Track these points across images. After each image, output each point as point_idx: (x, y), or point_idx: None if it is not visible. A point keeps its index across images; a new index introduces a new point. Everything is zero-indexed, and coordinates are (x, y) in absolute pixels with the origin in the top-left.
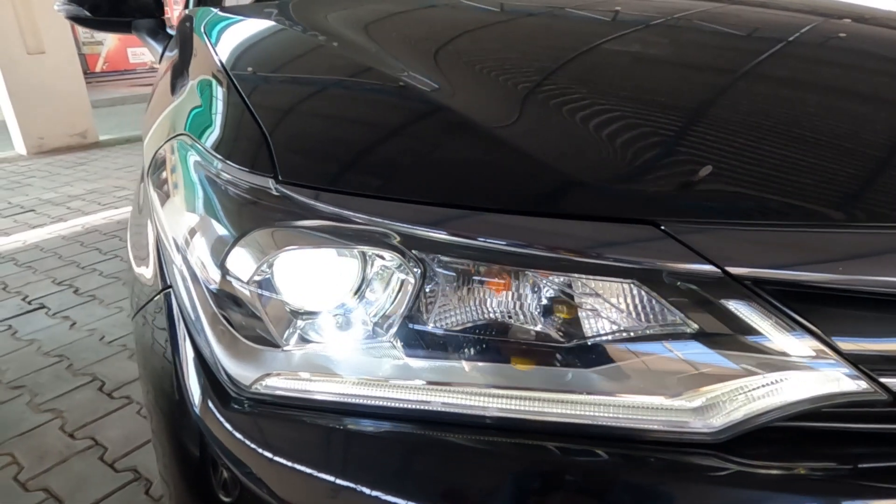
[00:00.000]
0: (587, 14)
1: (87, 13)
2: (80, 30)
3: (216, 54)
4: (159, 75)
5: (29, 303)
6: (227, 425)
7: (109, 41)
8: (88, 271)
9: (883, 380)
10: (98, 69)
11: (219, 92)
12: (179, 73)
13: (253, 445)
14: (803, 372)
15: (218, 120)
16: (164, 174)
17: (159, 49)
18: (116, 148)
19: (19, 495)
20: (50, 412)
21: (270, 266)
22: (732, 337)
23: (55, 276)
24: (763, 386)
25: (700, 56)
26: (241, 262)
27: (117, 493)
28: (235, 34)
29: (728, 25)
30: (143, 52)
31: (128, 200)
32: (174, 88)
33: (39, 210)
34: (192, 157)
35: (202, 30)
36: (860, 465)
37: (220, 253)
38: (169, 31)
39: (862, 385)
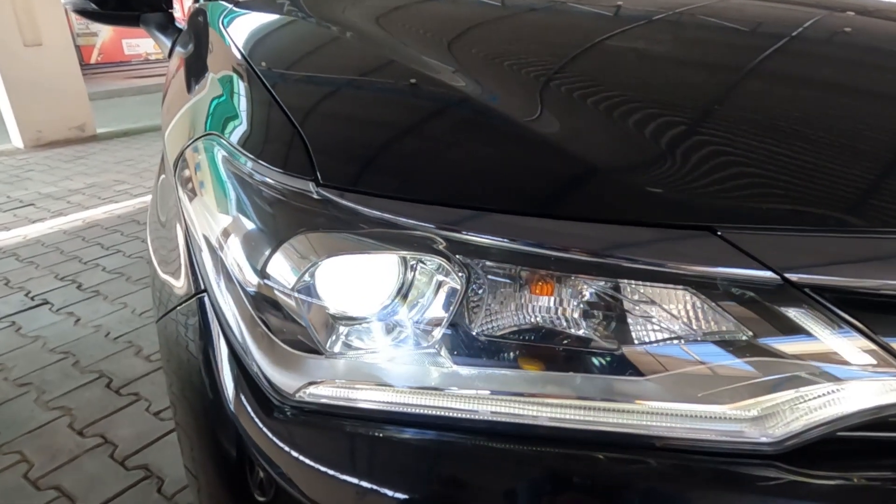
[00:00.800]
0: (623, 6)
1: (95, 6)
2: (75, 21)
3: (238, 49)
4: (172, 70)
5: (32, 298)
6: (271, 434)
7: (104, 32)
8: (91, 266)
9: None
10: (93, 61)
11: (247, 91)
12: (197, 68)
13: (297, 454)
14: (863, 381)
15: (248, 119)
16: (191, 175)
17: (168, 43)
18: (115, 141)
19: (31, 494)
20: (58, 409)
21: (313, 272)
22: (790, 345)
23: (57, 271)
24: (822, 395)
25: (749, 58)
26: (283, 269)
27: (129, 492)
28: (255, 28)
29: (768, 21)
30: (137, 44)
31: (128, 195)
32: (194, 83)
33: (39, 204)
34: (223, 157)
35: (218, 24)
36: None
37: (258, 257)
38: (178, 25)
39: None
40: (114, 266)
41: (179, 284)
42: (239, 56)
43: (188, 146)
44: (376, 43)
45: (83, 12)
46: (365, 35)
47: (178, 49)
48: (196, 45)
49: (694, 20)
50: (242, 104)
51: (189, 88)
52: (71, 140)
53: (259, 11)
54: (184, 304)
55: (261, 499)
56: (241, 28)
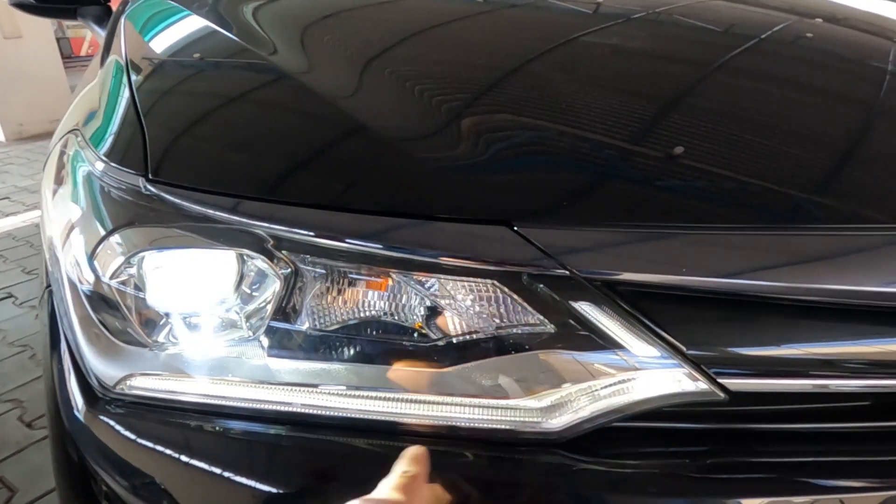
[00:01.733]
0: None
1: (33, 0)
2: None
3: (124, 43)
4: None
5: None
6: (92, 424)
7: None
8: None
9: (722, 380)
10: (83, 53)
11: (117, 87)
12: (97, 61)
13: (116, 445)
14: (648, 372)
15: (107, 116)
16: (53, 171)
17: (104, 36)
18: None
19: None
20: (10, 402)
21: (138, 265)
22: (584, 338)
23: (25, 265)
24: (609, 385)
25: (564, 43)
26: (108, 260)
27: None
28: (149, 23)
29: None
30: None
31: None
32: (88, 78)
33: (14, 198)
34: (77, 153)
35: (126, 16)
36: (708, 462)
37: (89, 251)
38: None
39: (701, 385)
40: None
41: (41, 279)
42: (123, 51)
43: (56, 142)
44: (243, 40)
45: (21, 5)
46: (240, 31)
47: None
48: (106, 36)
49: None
50: (107, 99)
51: (85, 83)
52: (52, 133)
53: (169, 7)
54: (40, 298)
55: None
56: (140, 22)
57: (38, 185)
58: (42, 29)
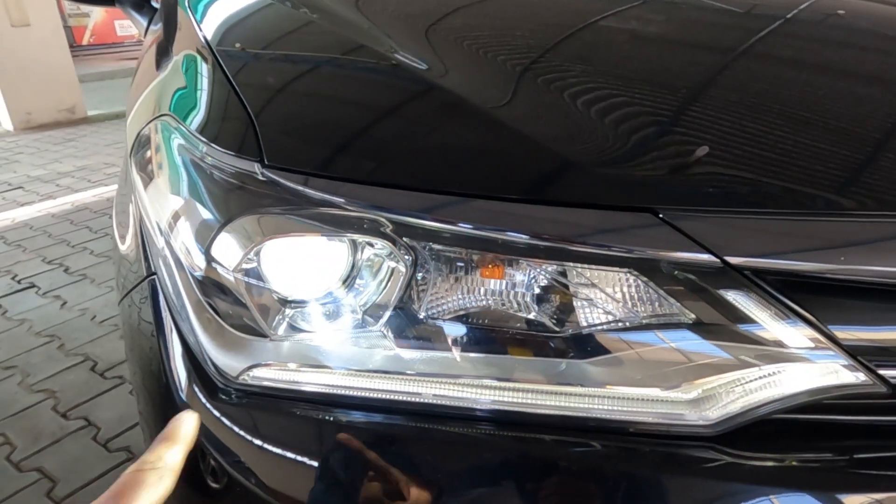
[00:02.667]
0: None
1: None
2: (66, 2)
3: (200, 30)
4: (143, 50)
5: (19, 282)
6: (215, 415)
7: (96, 13)
8: (79, 250)
9: (882, 371)
10: (85, 42)
11: (203, 70)
12: (163, 48)
13: (240, 435)
14: (802, 364)
15: (202, 100)
16: (147, 156)
17: (144, 23)
18: (106, 123)
19: (13, 476)
20: (43, 392)
21: (257, 253)
22: (730, 327)
23: (45, 254)
24: (760, 378)
25: (696, 35)
26: (227, 250)
27: (111, 473)
28: (221, 9)
29: (724, 1)
30: (130, 25)
31: (118, 177)
32: (158, 65)
33: (28, 187)
34: (177, 140)
35: (186, 3)
36: (855, 456)
37: (205, 239)
38: (154, 4)
39: (860, 377)
40: (102, 249)
41: (135, 267)
42: (201, 36)
43: (144, 128)
44: (340, 25)
45: None
46: (331, 17)
47: (152, 28)
48: (165, 25)
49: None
50: (198, 85)
51: (154, 70)
52: (61, 122)
53: None
54: (137, 287)
55: (214, 485)
56: (207, 8)
57: (50, 175)
58: (49, 16)
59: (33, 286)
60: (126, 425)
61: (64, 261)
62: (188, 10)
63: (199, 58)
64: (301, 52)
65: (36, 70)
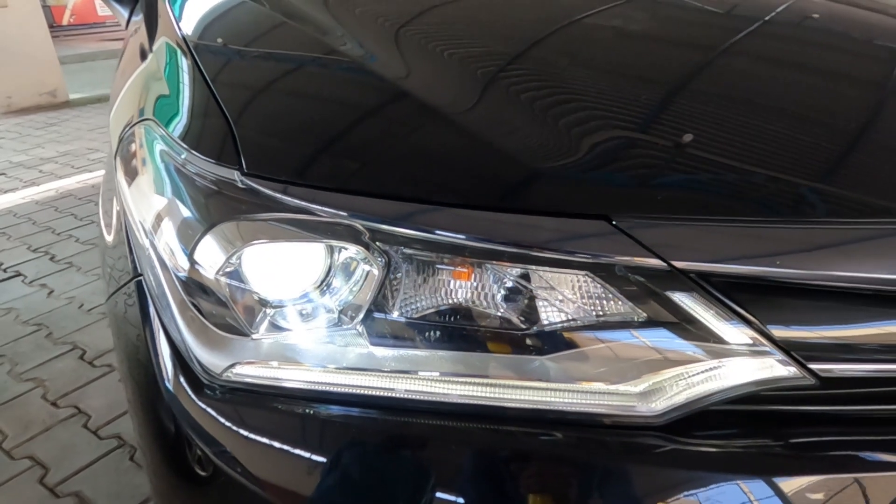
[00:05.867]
0: None
1: None
2: None
3: (180, 29)
4: (126, 41)
5: (4, 270)
6: (201, 410)
7: None
8: (65, 237)
9: (811, 365)
10: (65, 22)
11: (184, 70)
12: (145, 44)
13: (226, 428)
14: (741, 358)
15: (183, 105)
16: (131, 158)
17: (125, 14)
18: (88, 107)
19: (5, 463)
20: (32, 381)
21: (239, 257)
22: (678, 326)
23: (30, 242)
24: (703, 372)
25: (659, 43)
26: (210, 254)
27: (103, 460)
28: (200, 7)
29: (688, 8)
30: None
31: (102, 163)
32: (139, 62)
33: (11, 174)
34: (159, 145)
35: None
36: (790, 442)
37: (188, 242)
38: None
39: (792, 370)
40: (87, 237)
41: (121, 264)
42: (181, 37)
43: (127, 130)
44: (316, 32)
45: None
46: (307, 23)
47: (134, 19)
48: (146, 19)
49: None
50: (179, 88)
51: (134, 66)
52: (42, 106)
53: None
54: (124, 286)
55: (201, 473)
56: (186, 4)
57: (32, 161)
58: None
59: (19, 275)
60: (116, 412)
61: (49, 249)
62: (167, 5)
63: (179, 55)
64: (280, 60)
65: (15, 52)
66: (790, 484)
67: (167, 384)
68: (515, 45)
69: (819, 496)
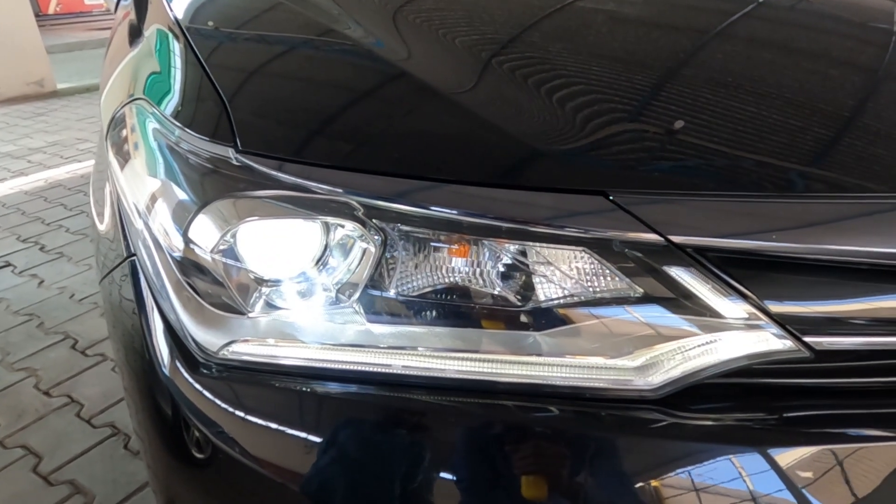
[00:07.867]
0: None
1: None
2: None
3: (171, 11)
4: (115, 25)
5: None
6: (197, 390)
7: None
8: (54, 228)
9: (807, 339)
10: (51, 11)
11: (175, 50)
12: (134, 26)
13: (223, 407)
14: (736, 332)
15: (176, 84)
16: (123, 138)
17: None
18: (76, 97)
19: None
20: (24, 371)
21: (233, 235)
22: (674, 301)
23: (19, 232)
24: (699, 346)
25: (654, 23)
26: (204, 232)
27: (97, 448)
28: None
29: None
30: None
31: (91, 153)
32: (130, 41)
33: None
34: (151, 124)
35: None
36: (785, 415)
37: (182, 221)
38: None
39: (788, 344)
40: (77, 227)
41: (114, 246)
42: (172, 17)
43: (119, 110)
44: (310, 11)
45: None
46: (301, 2)
47: (123, 3)
48: (136, 2)
49: None
50: (171, 67)
51: (126, 47)
52: (30, 96)
53: None
54: (118, 267)
55: (199, 456)
56: None
57: (21, 151)
58: None
59: (9, 265)
60: (110, 401)
61: (39, 239)
62: None
63: (170, 37)
64: (273, 37)
65: (1, 41)
66: (785, 457)
67: (163, 364)
68: (513, 26)
69: (813, 468)
